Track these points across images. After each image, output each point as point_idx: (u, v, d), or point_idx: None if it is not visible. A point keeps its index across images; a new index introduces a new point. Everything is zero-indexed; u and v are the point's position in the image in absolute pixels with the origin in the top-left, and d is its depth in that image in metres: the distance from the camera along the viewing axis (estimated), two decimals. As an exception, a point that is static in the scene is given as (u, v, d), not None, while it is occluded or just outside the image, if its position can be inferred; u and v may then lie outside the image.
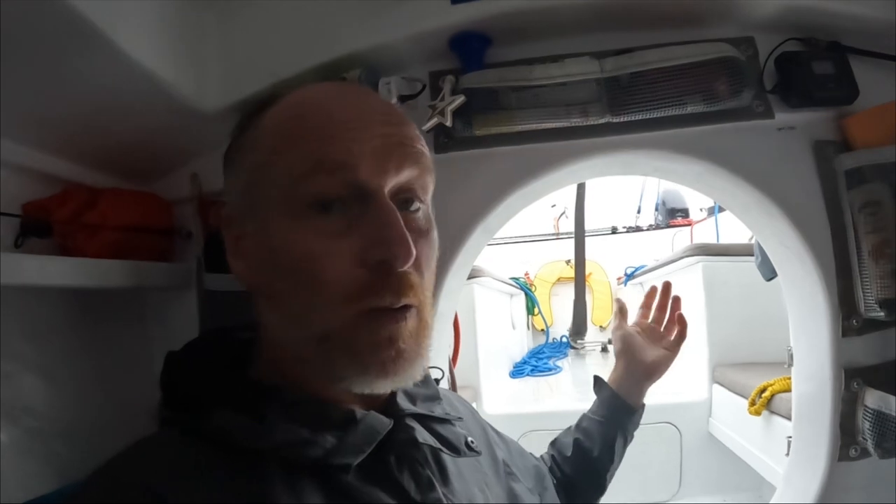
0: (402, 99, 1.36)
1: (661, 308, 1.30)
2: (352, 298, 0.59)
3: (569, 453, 1.14)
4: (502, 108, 1.33)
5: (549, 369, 4.83)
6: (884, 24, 1.30)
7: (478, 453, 0.78)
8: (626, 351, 1.24)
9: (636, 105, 1.31)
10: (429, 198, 0.68)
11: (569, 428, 1.20)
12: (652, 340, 1.26)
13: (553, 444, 1.20)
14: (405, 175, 0.62)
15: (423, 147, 0.66)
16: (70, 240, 1.31)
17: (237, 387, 0.64)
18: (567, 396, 3.90)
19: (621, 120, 1.33)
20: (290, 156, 0.60)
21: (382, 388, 0.62)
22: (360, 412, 0.64)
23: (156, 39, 1.21)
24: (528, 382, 4.38)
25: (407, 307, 0.61)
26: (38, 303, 1.32)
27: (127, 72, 1.14)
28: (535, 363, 5.06)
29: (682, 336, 1.28)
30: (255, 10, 1.41)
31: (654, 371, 1.22)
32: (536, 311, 6.90)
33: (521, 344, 5.87)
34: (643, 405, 1.22)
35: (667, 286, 1.31)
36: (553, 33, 1.40)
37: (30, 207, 1.28)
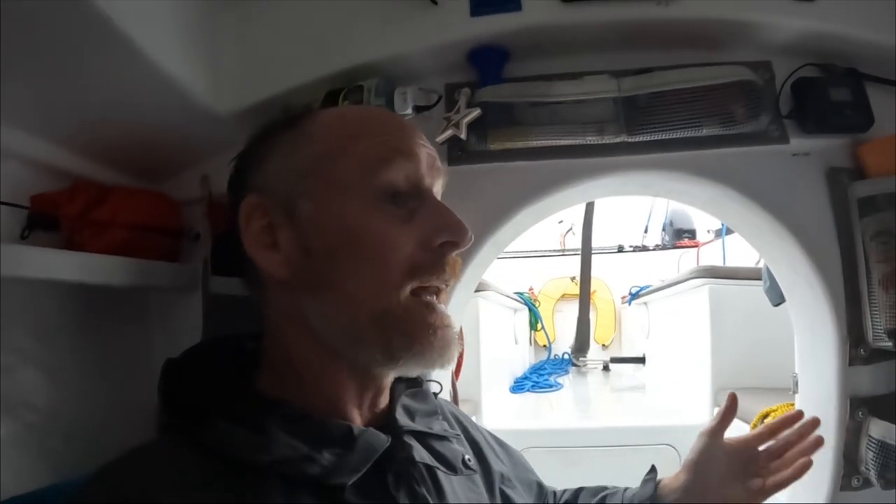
0: (418, 109, 1.36)
1: (789, 444, 0.98)
2: (412, 275, 0.65)
3: None
4: (518, 122, 1.34)
5: (550, 386, 4.80)
6: (901, 51, 1.30)
7: (474, 471, 0.79)
8: (700, 471, 0.96)
9: (653, 125, 1.31)
10: None
11: (602, 488, 1.04)
12: (738, 471, 0.96)
13: (578, 491, 1.05)
14: (437, 185, 0.72)
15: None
16: (77, 235, 1.31)
17: (239, 398, 0.65)
18: (568, 414, 3.89)
19: (637, 140, 1.33)
20: (366, 144, 0.67)
21: (432, 366, 0.67)
22: (357, 429, 0.66)
23: (174, 39, 1.22)
24: (529, 398, 4.37)
25: (443, 295, 0.70)
26: (41, 297, 1.31)
27: (143, 70, 1.15)
28: (537, 379, 5.03)
29: (789, 480, 0.94)
30: (273, 15, 1.42)
31: None
32: (539, 326, 6.90)
33: (522, 359, 5.86)
34: None
35: (816, 422, 0.99)
36: (572, 50, 1.41)
37: (38, 200, 1.27)
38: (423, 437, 0.75)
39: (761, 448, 0.98)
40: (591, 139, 1.33)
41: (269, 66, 1.40)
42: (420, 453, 0.71)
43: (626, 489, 1.01)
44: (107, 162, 1.44)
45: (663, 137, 1.32)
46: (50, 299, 1.33)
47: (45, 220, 1.27)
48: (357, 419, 0.69)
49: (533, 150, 1.36)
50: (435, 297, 0.68)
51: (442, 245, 0.67)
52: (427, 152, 0.70)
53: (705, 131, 1.30)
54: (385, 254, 0.64)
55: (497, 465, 0.88)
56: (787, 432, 0.98)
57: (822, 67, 1.36)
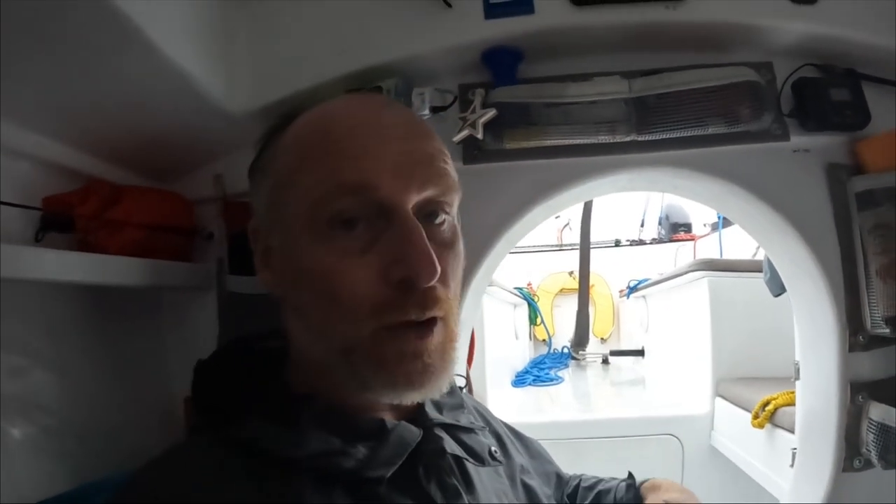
0: (434, 110, 1.38)
1: None
2: (376, 314, 0.59)
3: None
4: (534, 122, 1.38)
5: (551, 379, 4.83)
6: (896, 53, 1.35)
7: (500, 463, 0.80)
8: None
9: (661, 125, 1.36)
10: (454, 210, 0.67)
11: (597, 482, 1.05)
12: None
13: (578, 484, 1.05)
14: (427, 193, 0.62)
15: (446, 164, 0.65)
16: (92, 236, 1.30)
17: (269, 396, 0.66)
18: (568, 407, 3.91)
19: (646, 138, 1.38)
20: (310, 177, 0.60)
21: (409, 399, 0.62)
22: (390, 422, 0.66)
23: (189, 38, 1.22)
24: (530, 392, 4.39)
25: (433, 320, 0.61)
26: (55, 299, 1.31)
27: (158, 69, 1.16)
28: (537, 373, 5.05)
29: None
30: (288, 15, 1.44)
31: None
32: (539, 321, 6.91)
33: (523, 354, 5.87)
34: None
35: None
36: (583, 52, 1.44)
37: (50, 202, 1.26)
38: (452, 430, 0.74)
39: None
40: (603, 138, 1.38)
41: (284, 66, 1.42)
42: (450, 445, 0.71)
43: (617, 485, 1.02)
44: (119, 162, 1.44)
45: (671, 136, 1.37)
46: (64, 301, 1.33)
47: (59, 222, 1.26)
48: (388, 414, 0.68)
49: (547, 149, 1.40)
50: (426, 328, 0.61)
51: (401, 280, 0.59)
52: (404, 160, 0.61)
53: (711, 130, 1.36)
54: (339, 292, 0.59)
55: (517, 458, 0.89)
56: None
57: (822, 68, 1.42)
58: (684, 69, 1.37)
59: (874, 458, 1.32)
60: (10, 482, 1.12)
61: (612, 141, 1.38)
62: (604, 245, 7.89)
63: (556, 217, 8.22)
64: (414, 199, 0.61)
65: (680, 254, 7.10)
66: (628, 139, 1.38)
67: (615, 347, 6.48)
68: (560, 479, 1.01)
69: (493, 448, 0.79)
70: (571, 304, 6.49)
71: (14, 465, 1.15)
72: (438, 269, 0.58)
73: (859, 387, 1.36)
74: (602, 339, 7.32)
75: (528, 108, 1.38)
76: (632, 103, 1.37)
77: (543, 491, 0.88)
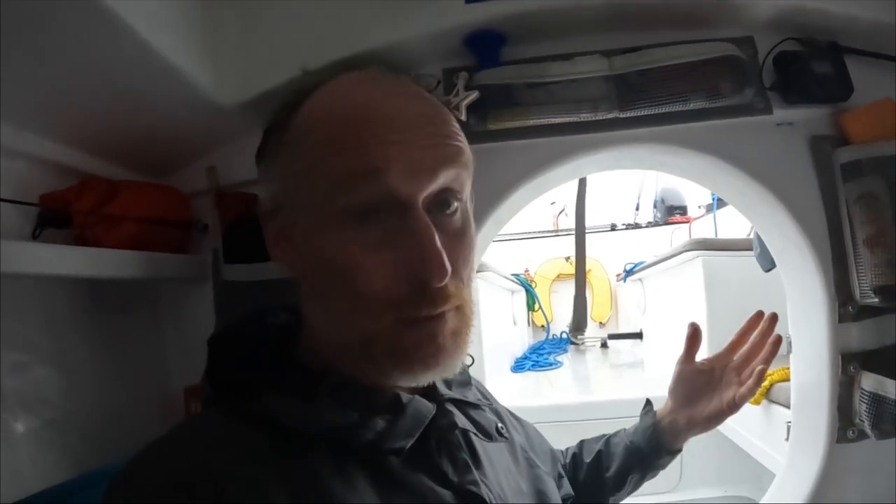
0: (417, 95, 1.38)
1: (759, 343, 1.10)
2: (392, 309, 0.60)
3: (588, 459, 1.08)
4: (516, 103, 1.39)
5: (550, 364, 4.86)
6: (878, 24, 1.36)
7: (506, 439, 0.81)
8: (680, 394, 1.09)
9: (643, 101, 1.37)
10: (466, 193, 0.67)
11: (603, 435, 1.12)
12: (716, 386, 1.09)
13: (581, 442, 1.13)
14: (441, 180, 0.61)
15: (461, 142, 0.65)
16: (89, 231, 1.32)
17: (286, 370, 0.65)
18: (568, 391, 3.93)
19: (628, 115, 1.38)
20: (327, 165, 0.60)
21: (425, 380, 0.64)
22: (405, 396, 0.66)
23: (177, 31, 1.23)
24: (530, 377, 4.42)
25: (445, 312, 0.62)
26: (54, 294, 1.33)
27: (147, 63, 1.17)
28: (536, 358, 5.09)
29: (757, 383, 1.05)
30: (274, 6, 1.44)
31: (702, 425, 1.07)
32: (537, 307, 6.94)
33: (521, 340, 5.90)
34: (679, 449, 1.09)
35: (774, 318, 1.12)
36: (565, 32, 1.45)
37: (47, 198, 1.29)
38: (461, 405, 0.75)
39: (736, 358, 1.11)
40: (586, 116, 1.39)
41: (272, 57, 1.41)
42: (461, 420, 0.72)
43: (626, 428, 1.11)
44: (113, 157, 1.46)
45: (653, 112, 1.38)
46: (63, 296, 1.35)
47: (56, 218, 1.28)
48: (402, 389, 0.68)
49: (531, 129, 1.41)
50: (439, 320, 0.62)
51: (407, 278, 0.60)
52: (419, 148, 0.60)
53: (692, 105, 1.36)
54: (358, 284, 0.60)
55: (516, 437, 0.90)
56: (756, 332, 1.11)
57: (803, 42, 1.42)
58: (664, 46, 1.38)
59: (867, 429, 1.33)
60: (13, 474, 1.15)
61: (594, 119, 1.39)
62: (600, 230, 7.89)
63: (552, 203, 8.22)
64: (426, 190, 0.61)
65: (676, 236, 7.10)
66: (610, 116, 1.38)
67: (614, 331, 6.50)
68: (554, 456, 1.04)
69: (499, 424, 0.80)
70: (569, 289, 6.52)
71: (17, 457, 1.18)
72: (448, 270, 0.59)
73: (850, 357, 1.37)
74: (600, 323, 7.35)
75: (511, 89, 1.39)
76: (612, 81, 1.38)
77: (544, 468, 0.90)
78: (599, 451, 1.08)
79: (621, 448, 1.07)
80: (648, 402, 1.13)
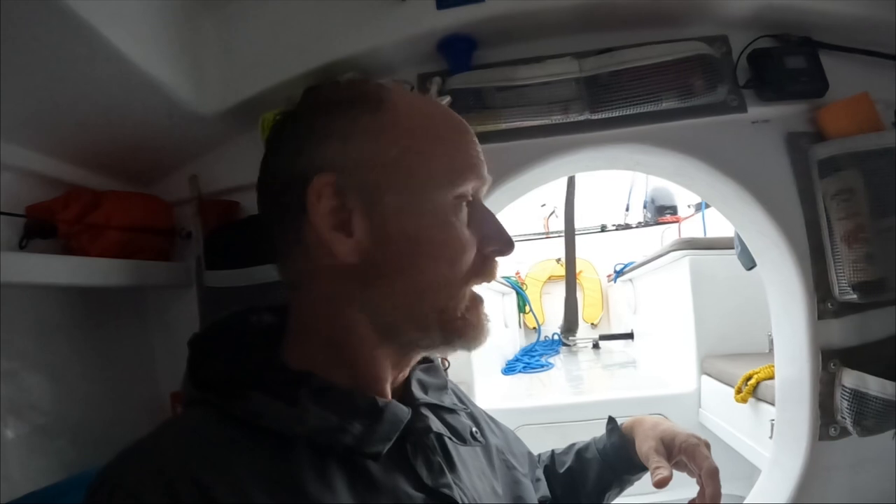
0: (392, 101, 1.39)
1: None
2: (468, 279, 0.69)
3: (561, 470, 1.06)
4: (488, 107, 1.39)
5: (542, 366, 4.85)
6: (852, 19, 1.36)
7: (481, 443, 0.83)
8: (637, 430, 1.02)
9: (614, 102, 1.36)
10: None
11: (571, 446, 1.10)
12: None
13: (552, 455, 1.10)
14: (485, 190, 0.75)
15: None
16: (74, 240, 1.34)
17: (270, 371, 0.66)
18: (560, 392, 3.93)
19: (600, 116, 1.38)
20: (450, 150, 0.70)
21: (470, 349, 0.72)
22: (381, 401, 0.67)
23: (155, 43, 1.24)
24: (522, 379, 4.41)
25: None
26: (42, 302, 1.34)
27: (127, 75, 1.18)
28: (528, 361, 5.09)
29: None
30: (252, 16, 1.45)
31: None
32: (528, 309, 6.94)
33: (513, 342, 5.90)
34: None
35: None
36: (537, 35, 1.45)
37: (33, 209, 1.31)
38: (436, 410, 0.77)
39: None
40: (557, 118, 1.39)
41: (250, 66, 1.44)
42: (436, 424, 0.74)
43: (597, 438, 1.07)
44: (97, 168, 1.47)
45: (625, 113, 1.37)
46: (50, 304, 1.37)
47: (42, 229, 1.30)
48: (386, 393, 0.71)
49: (503, 132, 1.41)
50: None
51: (490, 252, 0.71)
52: (480, 157, 0.73)
53: (665, 105, 1.36)
54: (455, 256, 0.67)
55: (493, 439, 0.91)
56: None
57: (777, 38, 1.42)
58: (637, 46, 1.37)
59: (849, 426, 1.33)
60: (4, 479, 1.18)
61: (565, 121, 1.39)
62: (590, 231, 7.92)
63: (543, 205, 8.24)
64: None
65: (666, 236, 7.12)
66: (582, 118, 1.38)
67: (605, 332, 6.51)
68: (531, 459, 1.04)
69: (473, 429, 0.82)
70: (560, 291, 6.53)
71: (7, 462, 1.20)
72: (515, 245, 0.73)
73: (831, 354, 1.37)
74: (592, 324, 7.37)
75: (482, 92, 1.39)
76: (583, 82, 1.37)
77: (521, 470, 0.91)
78: (570, 469, 1.06)
79: (595, 466, 1.04)
80: (611, 419, 1.07)
